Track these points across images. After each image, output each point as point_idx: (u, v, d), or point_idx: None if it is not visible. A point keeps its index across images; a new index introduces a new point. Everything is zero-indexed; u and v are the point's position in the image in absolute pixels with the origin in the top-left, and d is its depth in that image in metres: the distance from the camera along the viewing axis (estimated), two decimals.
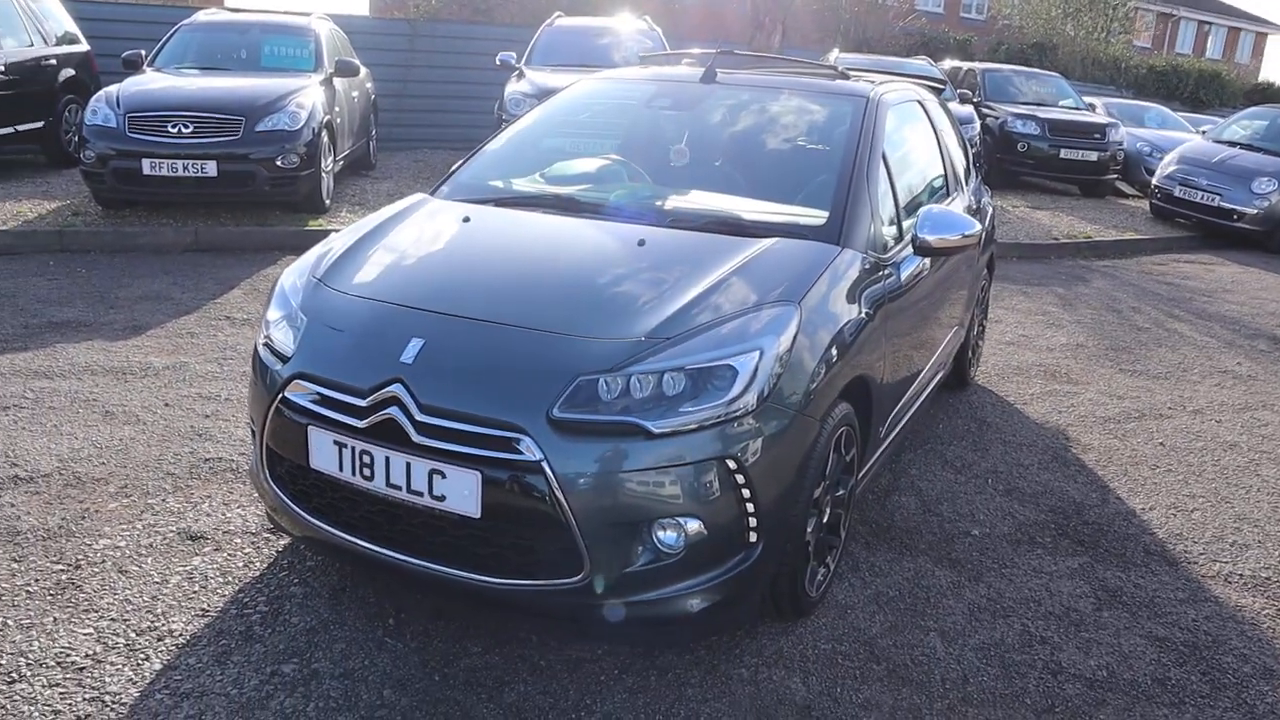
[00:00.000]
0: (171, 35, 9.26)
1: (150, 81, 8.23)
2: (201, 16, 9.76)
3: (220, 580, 3.15)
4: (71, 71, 10.12)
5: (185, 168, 7.49)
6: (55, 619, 2.90)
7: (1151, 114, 17.32)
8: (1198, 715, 2.88)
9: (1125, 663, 3.10)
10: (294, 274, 3.21)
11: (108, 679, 2.66)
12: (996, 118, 14.00)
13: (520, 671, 2.80)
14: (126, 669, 2.70)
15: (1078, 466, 4.62)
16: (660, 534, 2.57)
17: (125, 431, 4.20)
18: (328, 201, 8.56)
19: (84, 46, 10.58)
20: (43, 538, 3.32)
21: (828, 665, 2.95)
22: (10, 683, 2.61)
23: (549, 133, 4.34)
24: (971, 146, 6.63)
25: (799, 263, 3.10)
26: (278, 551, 3.33)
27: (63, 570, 3.15)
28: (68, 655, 2.74)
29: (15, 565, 3.16)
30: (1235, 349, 7.04)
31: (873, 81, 4.25)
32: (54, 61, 9.89)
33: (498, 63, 10.78)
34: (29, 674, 2.65)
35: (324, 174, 8.38)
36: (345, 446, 2.64)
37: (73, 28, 10.58)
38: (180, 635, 2.87)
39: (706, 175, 3.90)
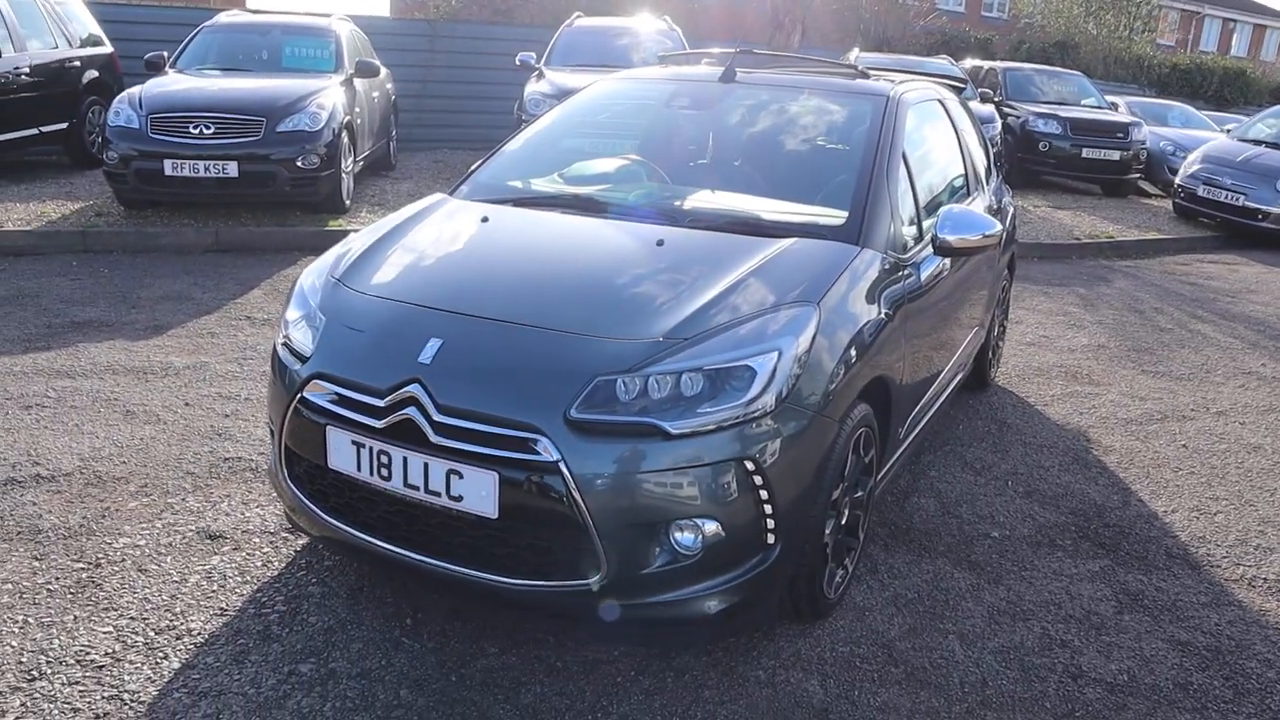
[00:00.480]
0: (193, 37, 9.33)
1: (172, 83, 8.29)
2: (223, 18, 9.84)
3: (239, 579, 3.17)
4: (95, 73, 10.21)
5: (207, 168, 7.55)
6: (75, 617, 2.92)
7: (1175, 113, 17.16)
8: None
9: (1147, 667, 3.07)
10: (313, 274, 3.22)
11: (127, 677, 2.67)
12: (1018, 117, 13.91)
13: (537, 672, 2.80)
14: (145, 667, 2.72)
15: (1099, 468, 4.58)
16: (678, 535, 2.56)
17: (146, 431, 4.22)
18: (348, 202, 8.60)
19: (108, 48, 10.68)
20: (64, 536, 3.35)
21: (846, 668, 2.93)
22: (31, 680, 2.63)
23: (568, 133, 4.34)
24: (993, 146, 6.59)
25: (818, 263, 3.09)
26: (296, 551, 3.35)
27: (83, 569, 3.17)
28: (87, 653, 2.76)
29: (36, 563, 3.18)
30: (1260, 350, 6.96)
31: (893, 80, 4.23)
32: (78, 63, 9.98)
33: (517, 63, 10.80)
34: (49, 671, 2.67)
35: (344, 174, 8.41)
36: (363, 446, 2.64)
37: (96, 30, 10.68)
38: (199, 634, 2.88)
39: (725, 175, 3.89)
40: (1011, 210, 5.64)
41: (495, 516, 2.51)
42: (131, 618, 2.93)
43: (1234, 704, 2.93)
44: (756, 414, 2.56)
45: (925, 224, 3.74)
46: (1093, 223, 11.44)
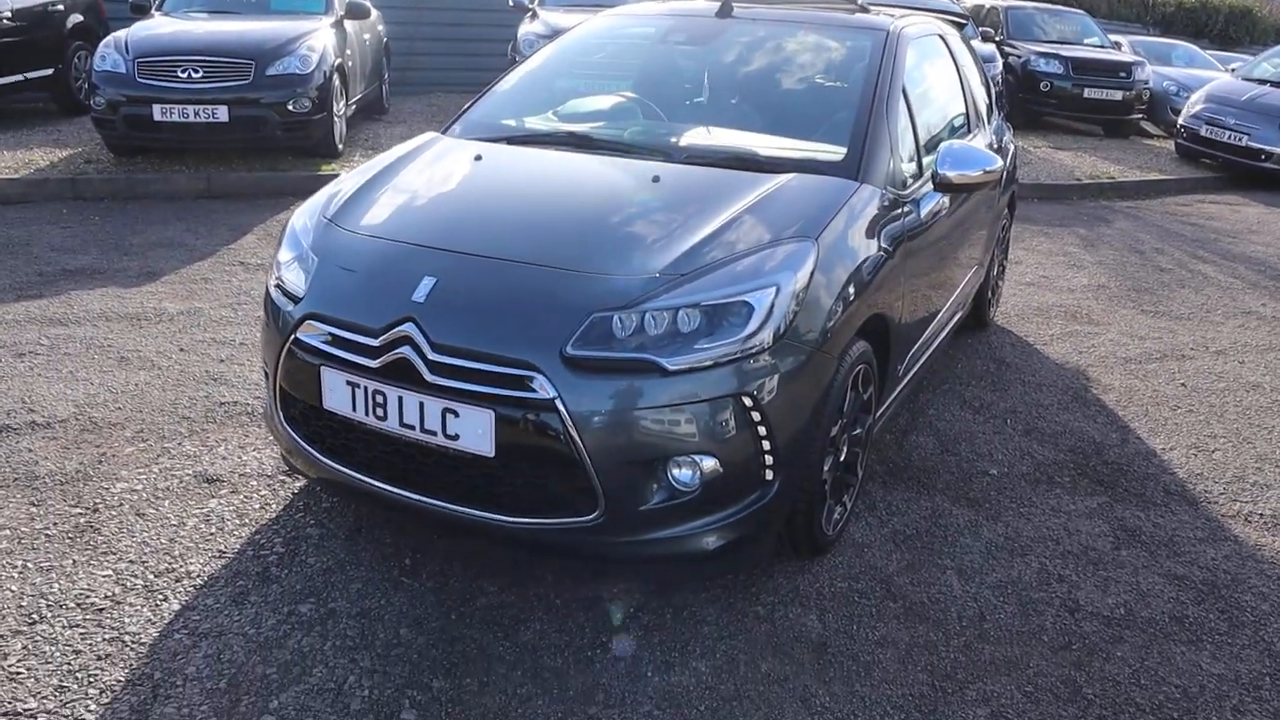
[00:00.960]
0: None
1: (159, 26, 8.13)
2: None
3: (237, 522, 3.17)
4: (80, 17, 10.00)
5: (196, 113, 7.43)
6: (74, 561, 2.92)
7: (1179, 52, 16.93)
8: (1215, 653, 2.86)
9: (1143, 600, 3.08)
10: (304, 214, 3.18)
11: (127, 619, 2.68)
12: (1019, 56, 13.72)
13: (536, 610, 2.81)
14: (145, 610, 2.72)
15: (1098, 407, 4.57)
16: (675, 472, 2.55)
17: (140, 377, 4.20)
18: (340, 146, 8.49)
19: None
20: (60, 482, 3.34)
21: (844, 603, 2.94)
22: (32, 623, 2.64)
23: (561, 71, 4.26)
24: (994, 86, 6.47)
25: (816, 198, 3.04)
26: (293, 494, 3.34)
27: (81, 514, 3.17)
28: (87, 597, 2.76)
29: (34, 509, 3.17)
30: (1260, 290, 6.93)
31: (893, 15, 4.15)
32: (61, 7, 9.77)
33: (510, 4, 10.61)
34: (50, 615, 2.68)
35: (336, 118, 8.30)
36: (358, 387, 2.62)
37: None
38: (198, 576, 2.88)
39: (723, 111, 3.83)
40: (1012, 149, 5.57)
41: (492, 455, 2.50)
42: (130, 561, 2.93)
43: (1229, 636, 2.94)
44: (754, 350, 2.53)
45: (925, 160, 3.69)
46: (1094, 163, 11.33)
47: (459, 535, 2.94)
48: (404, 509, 2.73)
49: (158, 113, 7.39)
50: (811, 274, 2.71)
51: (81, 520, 3.13)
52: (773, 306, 2.58)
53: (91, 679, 2.46)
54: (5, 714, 2.33)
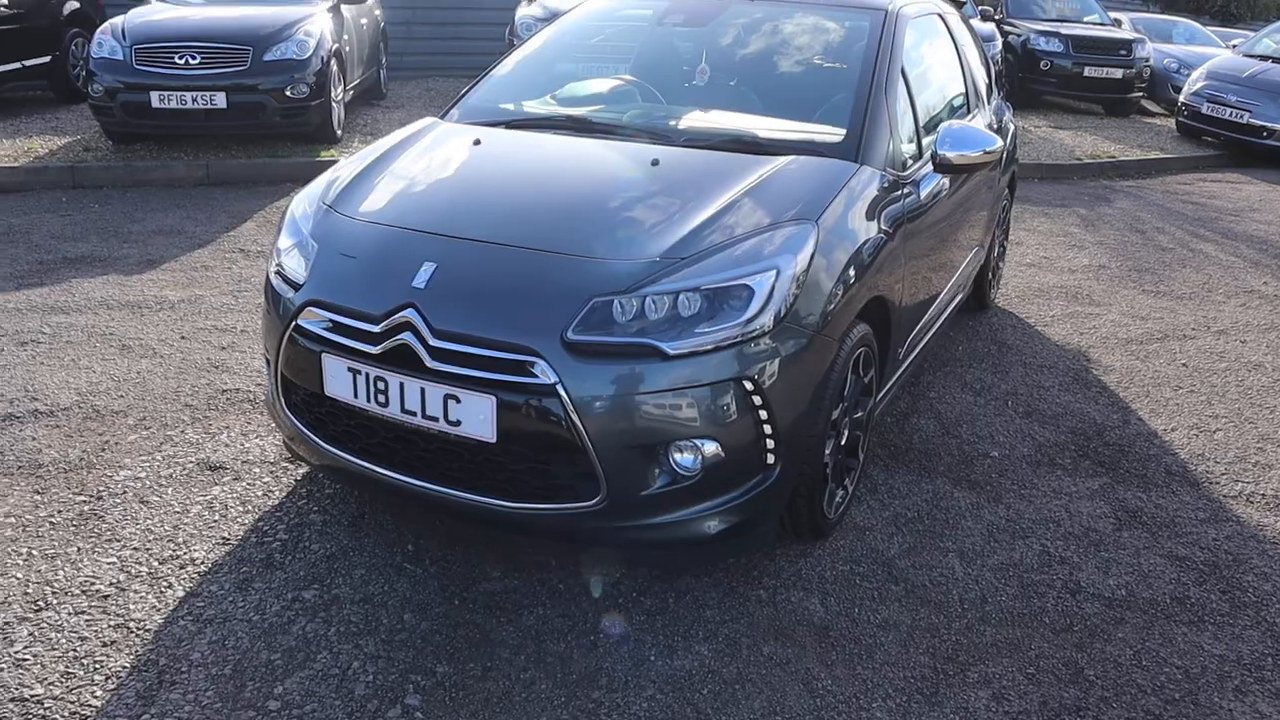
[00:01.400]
0: None
1: (155, 12, 8.11)
2: None
3: (240, 509, 3.17)
4: (76, 4, 9.96)
5: (194, 99, 7.41)
6: (79, 549, 2.93)
7: (1180, 29, 16.84)
8: (1216, 633, 2.87)
9: (1144, 582, 3.09)
10: (304, 201, 3.17)
11: (132, 606, 2.69)
12: (1019, 35, 13.63)
13: (539, 595, 2.82)
14: (150, 596, 2.74)
15: (1099, 388, 4.57)
16: (677, 456, 2.55)
17: (142, 364, 4.20)
18: (339, 132, 8.46)
19: None
20: (64, 470, 3.35)
21: (846, 586, 2.95)
22: (38, 610, 2.65)
23: (559, 54, 4.24)
24: (994, 65, 6.45)
25: (816, 180, 3.03)
26: (296, 480, 3.35)
27: (84, 501, 3.17)
28: (92, 584, 2.77)
29: (38, 497, 3.18)
30: (1261, 269, 6.92)
31: None
32: None
33: None
34: (55, 602, 2.69)
35: (334, 104, 8.27)
36: (359, 373, 2.62)
37: None
38: (202, 563, 2.89)
39: (721, 94, 3.81)
40: (1012, 129, 5.55)
41: (494, 440, 2.50)
42: (135, 548, 2.94)
43: (1230, 617, 2.95)
44: (755, 333, 2.53)
45: (925, 141, 3.67)
46: (1094, 142, 11.29)
47: (461, 521, 2.95)
48: (406, 495, 2.74)
49: (155, 99, 7.37)
50: (811, 257, 2.71)
51: (85, 508, 3.14)
52: (773, 290, 2.57)
53: (97, 665, 2.47)
54: (13, 700, 2.34)
